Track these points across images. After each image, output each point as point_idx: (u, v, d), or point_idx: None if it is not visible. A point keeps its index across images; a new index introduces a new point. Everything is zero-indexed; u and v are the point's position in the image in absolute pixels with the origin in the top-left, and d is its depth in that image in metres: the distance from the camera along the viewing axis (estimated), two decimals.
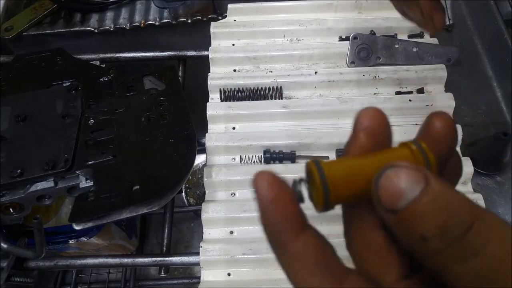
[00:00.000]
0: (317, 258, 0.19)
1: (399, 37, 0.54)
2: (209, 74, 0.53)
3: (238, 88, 0.51)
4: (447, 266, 0.16)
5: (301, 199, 0.19)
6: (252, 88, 0.51)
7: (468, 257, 0.16)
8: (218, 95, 0.52)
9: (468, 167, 0.46)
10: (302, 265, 0.19)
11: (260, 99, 0.51)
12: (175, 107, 0.48)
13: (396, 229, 0.17)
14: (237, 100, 0.51)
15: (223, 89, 0.51)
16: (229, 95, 0.51)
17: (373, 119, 0.21)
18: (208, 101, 0.52)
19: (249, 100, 0.51)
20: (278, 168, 0.46)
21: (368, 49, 0.53)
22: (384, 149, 0.20)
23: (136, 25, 0.66)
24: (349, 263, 0.21)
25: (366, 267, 0.20)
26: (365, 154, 0.20)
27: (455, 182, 0.22)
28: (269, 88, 0.51)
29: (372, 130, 0.21)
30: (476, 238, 0.15)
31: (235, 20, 0.57)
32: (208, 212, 0.44)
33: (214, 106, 0.50)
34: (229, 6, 0.58)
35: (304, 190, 0.19)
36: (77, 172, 0.42)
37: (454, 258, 0.16)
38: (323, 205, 0.19)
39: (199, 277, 0.42)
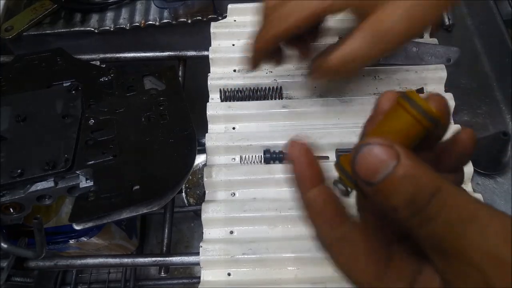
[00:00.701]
0: (325, 204, 0.23)
1: None
2: (209, 74, 0.53)
3: (238, 88, 0.51)
4: (413, 231, 0.20)
5: (345, 194, 0.24)
6: (252, 88, 0.51)
7: (427, 223, 0.19)
8: (218, 95, 0.52)
9: (468, 167, 0.46)
10: (313, 210, 0.24)
11: (260, 99, 0.51)
12: (175, 107, 0.48)
13: (374, 199, 0.20)
14: (237, 100, 0.51)
15: (223, 89, 0.51)
16: (229, 95, 0.51)
17: (391, 102, 0.24)
18: (208, 101, 0.52)
19: (249, 100, 0.51)
20: (278, 168, 0.46)
21: None
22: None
23: (136, 25, 0.66)
24: None
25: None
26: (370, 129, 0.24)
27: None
28: (269, 88, 0.51)
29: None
30: (434, 206, 0.18)
31: (235, 20, 0.57)
32: (208, 212, 0.44)
33: (214, 106, 0.50)
34: (229, 6, 0.58)
35: (342, 186, 0.24)
36: (77, 172, 0.42)
37: (417, 224, 0.19)
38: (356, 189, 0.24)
39: (199, 277, 0.42)
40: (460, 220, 0.18)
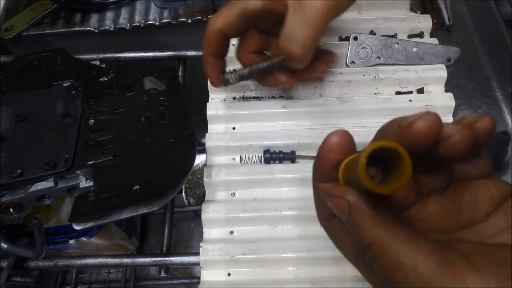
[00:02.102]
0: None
1: (399, 37, 0.54)
2: None
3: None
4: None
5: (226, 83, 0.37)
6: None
7: (370, 264, 0.23)
8: (218, 95, 0.52)
9: None
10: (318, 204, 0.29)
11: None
12: (175, 107, 0.48)
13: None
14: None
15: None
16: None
17: (427, 122, 0.23)
18: (208, 101, 0.52)
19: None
20: (278, 168, 0.46)
21: (368, 49, 0.53)
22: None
23: (136, 25, 0.66)
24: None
25: None
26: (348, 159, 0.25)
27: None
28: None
29: (422, 134, 0.24)
30: (371, 254, 0.22)
31: None
32: (208, 212, 0.44)
33: (214, 106, 0.50)
34: None
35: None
36: (77, 172, 0.42)
37: (361, 263, 0.25)
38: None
39: (199, 277, 0.42)
40: (389, 268, 0.21)
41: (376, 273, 0.23)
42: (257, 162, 0.48)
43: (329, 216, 0.27)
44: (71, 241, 0.73)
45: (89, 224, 0.39)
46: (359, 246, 0.23)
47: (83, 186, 0.42)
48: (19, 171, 0.40)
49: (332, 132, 0.26)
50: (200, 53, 0.57)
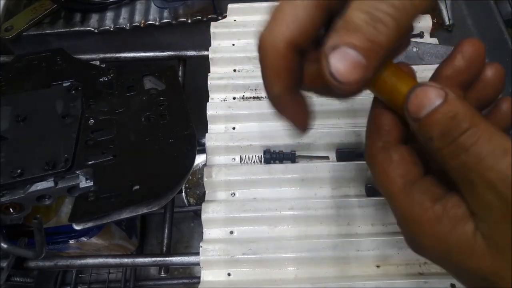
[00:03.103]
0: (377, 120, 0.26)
1: None
2: (209, 74, 0.53)
3: None
4: (445, 161, 0.22)
5: None
6: None
7: (459, 153, 0.21)
8: (218, 95, 0.52)
9: None
10: (372, 124, 0.26)
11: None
12: (175, 107, 0.48)
13: (417, 133, 0.22)
14: None
15: None
16: None
17: (473, 46, 0.25)
18: (208, 101, 0.52)
19: None
20: (278, 168, 0.46)
21: None
22: (473, 76, 0.25)
23: (136, 25, 0.66)
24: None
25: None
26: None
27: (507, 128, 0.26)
28: None
29: (469, 55, 0.25)
30: (468, 140, 0.20)
31: (235, 20, 0.57)
32: (208, 212, 0.44)
33: (214, 106, 0.50)
34: (229, 6, 0.58)
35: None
36: (77, 172, 0.42)
37: (450, 154, 0.21)
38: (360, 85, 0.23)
39: (199, 277, 0.42)
40: (491, 154, 0.20)
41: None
42: (257, 162, 0.48)
43: (385, 143, 0.25)
44: (71, 241, 0.73)
45: (89, 224, 0.39)
46: (449, 131, 0.21)
47: (83, 186, 0.42)
48: (19, 171, 0.40)
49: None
50: (200, 53, 0.57)
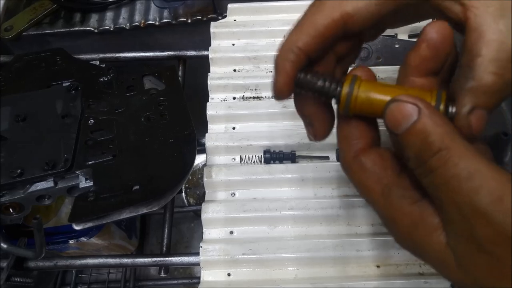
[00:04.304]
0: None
1: (399, 37, 0.54)
2: (209, 74, 0.53)
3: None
4: (418, 177, 0.23)
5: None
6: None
7: (427, 174, 0.22)
8: (218, 95, 0.52)
9: None
10: (341, 133, 0.28)
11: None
12: (175, 107, 0.48)
13: (395, 146, 0.24)
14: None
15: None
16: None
17: (438, 33, 0.24)
18: (208, 101, 0.52)
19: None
20: (278, 168, 0.46)
21: (368, 49, 0.52)
22: (442, 62, 0.25)
23: (136, 25, 0.66)
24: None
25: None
26: (393, 86, 0.25)
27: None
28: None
29: (435, 43, 0.24)
30: (436, 162, 0.21)
31: (235, 20, 0.57)
32: (208, 212, 0.44)
33: (214, 106, 0.50)
34: (229, 6, 0.58)
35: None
36: (77, 172, 0.42)
37: (421, 173, 0.22)
38: (342, 112, 0.26)
39: (199, 277, 0.42)
40: (456, 177, 0.21)
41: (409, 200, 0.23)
42: (257, 162, 0.48)
43: (356, 152, 0.26)
44: (71, 241, 0.73)
45: (89, 224, 0.39)
46: (420, 153, 0.22)
47: (83, 186, 0.42)
48: (19, 171, 0.40)
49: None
50: (200, 53, 0.57)
